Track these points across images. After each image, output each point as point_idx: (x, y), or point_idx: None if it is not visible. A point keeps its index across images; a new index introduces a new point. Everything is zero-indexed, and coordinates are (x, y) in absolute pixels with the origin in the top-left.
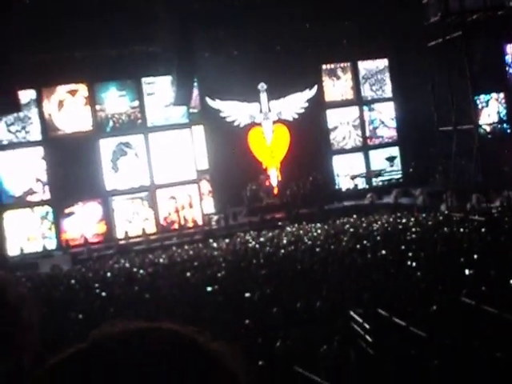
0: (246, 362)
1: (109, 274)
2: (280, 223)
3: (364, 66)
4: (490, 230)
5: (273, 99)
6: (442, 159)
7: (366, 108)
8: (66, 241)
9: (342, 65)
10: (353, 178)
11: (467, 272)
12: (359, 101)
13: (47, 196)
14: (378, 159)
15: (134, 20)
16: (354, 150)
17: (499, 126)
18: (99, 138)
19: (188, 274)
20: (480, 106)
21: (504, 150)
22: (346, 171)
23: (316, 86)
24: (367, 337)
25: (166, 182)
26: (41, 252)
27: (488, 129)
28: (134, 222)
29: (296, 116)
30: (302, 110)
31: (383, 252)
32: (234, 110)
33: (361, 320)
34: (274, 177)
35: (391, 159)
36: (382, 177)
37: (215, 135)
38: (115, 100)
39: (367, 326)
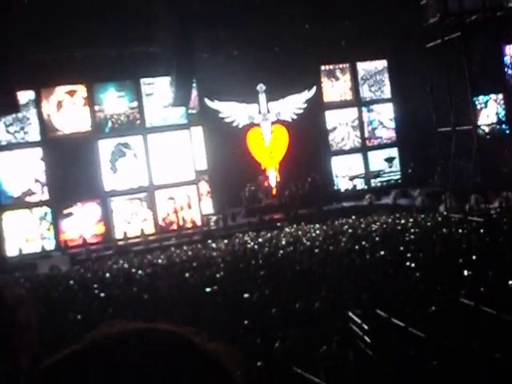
0: (245, 362)
1: (107, 275)
2: (279, 224)
3: (363, 67)
4: (488, 230)
5: (272, 100)
6: (441, 160)
7: (364, 109)
8: (65, 241)
9: (340, 66)
10: (351, 178)
11: (466, 273)
12: (358, 102)
13: (46, 197)
14: (377, 160)
15: (133, 20)
16: (352, 150)
17: (498, 126)
18: (98, 139)
19: (187, 274)
20: (479, 107)
21: (503, 151)
22: (345, 172)
23: (315, 87)
24: (366, 337)
25: (165, 182)
26: (39, 253)
27: (487, 129)
28: (132, 222)
29: (295, 117)
30: (301, 111)
31: (382, 253)
32: (233, 111)
33: (359, 321)
34: (273, 177)
35: (390, 160)
36: (381, 178)
37: (214, 136)
38: (114, 101)
39: (366, 327)
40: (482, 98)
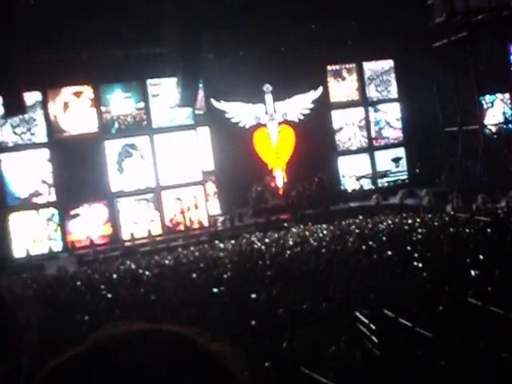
0: (253, 363)
1: (115, 276)
2: (286, 224)
3: (369, 67)
4: (495, 230)
5: (278, 100)
6: (448, 160)
7: (371, 109)
8: (72, 242)
9: (347, 66)
10: (358, 178)
11: (473, 273)
12: (364, 102)
13: (53, 198)
14: (384, 160)
15: (139, 21)
16: (359, 150)
17: (505, 126)
18: (104, 140)
19: (194, 275)
20: (485, 107)
21: (509, 151)
22: (352, 172)
23: (321, 87)
24: (373, 337)
25: (172, 183)
26: (47, 254)
27: (493, 129)
28: (139, 223)
29: (301, 117)
30: (308, 111)
31: (389, 253)
32: (240, 111)
33: (367, 321)
34: (280, 178)
35: (397, 160)
36: (388, 178)
37: (221, 136)
38: (120, 101)
39: (373, 327)
40: (488, 98)
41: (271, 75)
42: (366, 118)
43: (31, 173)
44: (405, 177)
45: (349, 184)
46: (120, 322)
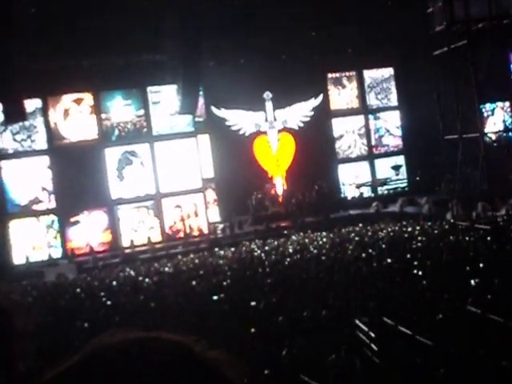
0: (252, 370)
1: (114, 283)
2: (285, 232)
3: (369, 75)
4: (495, 238)
5: (278, 108)
6: (448, 168)
7: (371, 117)
8: (72, 249)
9: (347, 73)
10: (358, 186)
11: (473, 281)
12: (365, 109)
13: (53, 205)
14: (384, 168)
15: (139, 29)
16: (359, 158)
17: (505, 134)
18: (105, 147)
19: (193, 282)
20: (485, 115)
21: (510, 159)
22: (352, 180)
23: (321, 95)
24: (373, 345)
25: (172, 190)
26: (46, 261)
27: (493, 137)
28: (139, 230)
29: (301, 125)
30: (308, 119)
31: (389, 260)
32: (240, 119)
33: (366, 329)
34: (280, 185)
35: (397, 168)
36: (388, 185)
37: (221, 144)
38: (121, 109)
39: (373, 335)
40: (488, 106)
41: (271, 83)
42: (366, 126)
43: (31, 180)
44: (405, 185)
45: (349, 192)
46: (116, 330)
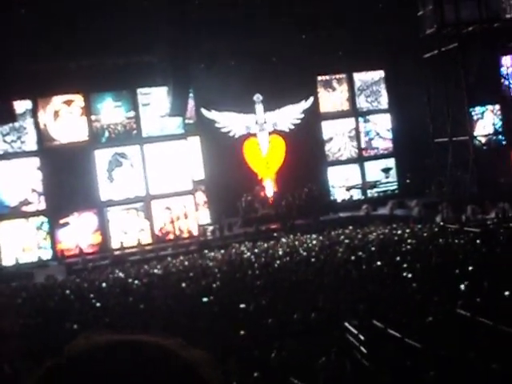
0: (242, 373)
1: (104, 285)
2: (275, 234)
3: (359, 78)
4: (485, 241)
5: (268, 110)
6: (438, 170)
7: (361, 119)
8: (61, 251)
9: (337, 76)
10: (348, 189)
11: (462, 285)
12: (355, 112)
13: (42, 206)
14: (374, 170)
15: (129, 30)
16: (349, 161)
17: (494, 137)
18: (95, 149)
19: (183, 284)
20: (475, 118)
21: (499, 162)
22: (342, 182)
23: (312, 98)
24: (362, 348)
25: (162, 192)
26: (36, 262)
27: (483, 140)
28: (129, 232)
29: (292, 127)
30: (298, 121)
31: (378, 263)
32: (230, 121)
33: (356, 331)
34: (270, 188)
35: (387, 170)
36: (378, 188)
37: (211, 146)
38: (111, 110)
39: (362, 338)
40: (478, 109)
41: (262, 85)
42: (356, 129)
43: (21, 181)
44: (395, 187)
45: (338, 194)
46: (90, 333)
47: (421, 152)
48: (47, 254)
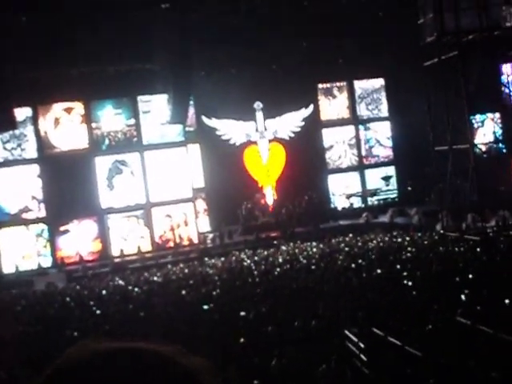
0: (242, 380)
1: (104, 292)
2: (275, 242)
3: (360, 86)
4: (485, 249)
5: (269, 118)
6: (438, 179)
7: (361, 127)
8: (61, 258)
9: (338, 84)
10: (348, 197)
11: (463, 293)
12: (355, 120)
13: (43, 214)
14: (374, 178)
15: (130, 38)
16: (349, 169)
17: (495, 145)
18: (95, 156)
19: (183, 292)
20: (476, 126)
21: (499, 170)
22: (342, 190)
23: (312, 105)
24: (362, 356)
25: (162, 200)
26: (36, 270)
27: (483, 148)
28: (129, 240)
29: (292, 135)
30: (298, 129)
31: (378, 271)
32: (230, 129)
33: (356, 339)
34: (270, 195)
35: (387, 178)
36: (378, 196)
37: (211, 153)
38: (111, 118)
39: (362, 345)
40: (478, 117)
41: (262, 93)
42: (357, 137)
43: (21, 188)
44: (395, 195)
45: (339, 202)
46: (90, 341)
47: (421, 160)
48: (47, 262)
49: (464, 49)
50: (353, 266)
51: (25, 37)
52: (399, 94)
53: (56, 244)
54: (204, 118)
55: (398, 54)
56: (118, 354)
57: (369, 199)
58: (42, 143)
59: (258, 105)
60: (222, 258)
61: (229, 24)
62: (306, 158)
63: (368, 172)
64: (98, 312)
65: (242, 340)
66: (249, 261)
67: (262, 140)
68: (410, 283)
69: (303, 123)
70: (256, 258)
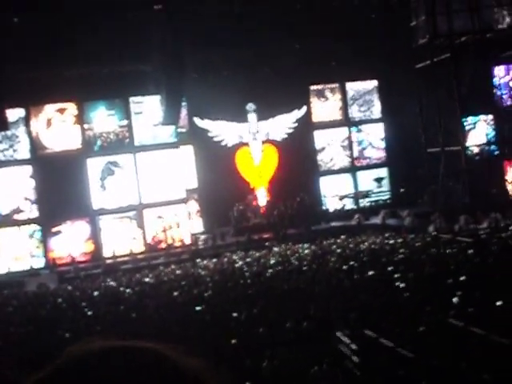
0: (233, 382)
1: (96, 293)
2: (267, 243)
3: (352, 87)
4: (477, 251)
5: (261, 119)
6: (430, 180)
7: (354, 129)
8: (53, 259)
9: (330, 86)
10: (340, 198)
11: (455, 295)
12: (347, 122)
13: (35, 214)
14: (366, 180)
15: (123, 39)
16: (341, 170)
17: (487, 147)
18: (87, 157)
19: (175, 293)
20: (468, 128)
21: (491, 172)
22: (334, 192)
23: (304, 107)
24: (354, 357)
25: (154, 201)
26: (28, 270)
27: (475, 150)
28: (121, 241)
29: (284, 136)
30: (291, 131)
31: (370, 273)
32: (223, 130)
33: (348, 341)
34: (262, 197)
35: (379, 180)
36: (370, 198)
37: (203, 155)
38: (103, 119)
39: (354, 347)
40: (470, 119)
41: (254, 94)
42: (349, 138)
43: (13, 189)
44: (387, 197)
45: (331, 204)
46: (93, 339)
47: (413, 162)
48: (39, 263)
49: (456, 51)
50: (344, 267)
51: (17, 37)
52: (392, 96)
53: (48, 245)
54: (196, 120)
55: (391, 56)
56: (113, 353)
57: (361, 201)
58: (35, 144)
59: (250, 106)
60: (214, 260)
61: (222, 26)
62: (298, 160)
63: (360, 174)
64: (89, 313)
65: (233, 341)
66: (241, 262)
67: (255, 141)
68: (402, 285)
69: (295, 125)
70: (248, 260)
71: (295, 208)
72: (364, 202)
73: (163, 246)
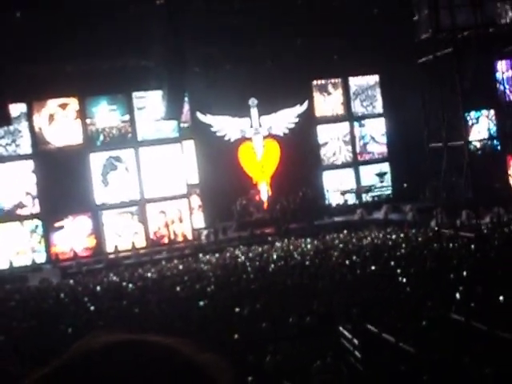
0: (236, 377)
1: (98, 288)
2: (270, 238)
3: (355, 82)
4: (479, 246)
5: (263, 114)
6: (432, 175)
7: (356, 124)
8: (56, 254)
9: (332, 80)
10: (343, 193)
11: (457, 290)
12: (350, 116)
13: (37, 209)
14: (368, 175)
15: (125, 34)
16: (344, 165)
17: (489, 142)
18: (89, 152)
19: (177, 288)
20: (470, 123)
21: (494, 167)
22: (336, 187)
23: (307, 102)
24: (356, 352)
25: (156, 196)
26: (30, 265)
27: (478, 145)
28: (123, 236)
29: (287, 131)
30: (293, 126)
31: (373, 268)
32: (225, 125)
33: (350, 336)
34: (264, 192)
35: (381, 175)
36: (372, 192)
37: (206, 150)
38: (106, 114)
39: (356, 342)
40: (473, 114)
41: (257, 89)
42: (351, 133)
43: (15, 184)
44: (389, 192)
45: (333, 198)
46: (101, 333)
47: (415, 157)
48: (41, 258)
49: (459, 46)
50: (347, 262)
51: (19, 32)
52: (394, 91)
53: (50, 240)
54: (199, 115)
55: (393, 51)
56: (121, 347)
57: (363, 196)
58: (37, 139)
59: (252, 101)
60: (217, 255)
61: (223, 20)
62: (300, 155)
63: (362, 168)
64: (92, 308)
65: (236, 336)
66: (243, 257)
67: (257, 136)
68: (404, 280)
69: (298, 120)
70: (250, 255)
71: (298, 203)
72: (366, 197)
73: (165, 240)
